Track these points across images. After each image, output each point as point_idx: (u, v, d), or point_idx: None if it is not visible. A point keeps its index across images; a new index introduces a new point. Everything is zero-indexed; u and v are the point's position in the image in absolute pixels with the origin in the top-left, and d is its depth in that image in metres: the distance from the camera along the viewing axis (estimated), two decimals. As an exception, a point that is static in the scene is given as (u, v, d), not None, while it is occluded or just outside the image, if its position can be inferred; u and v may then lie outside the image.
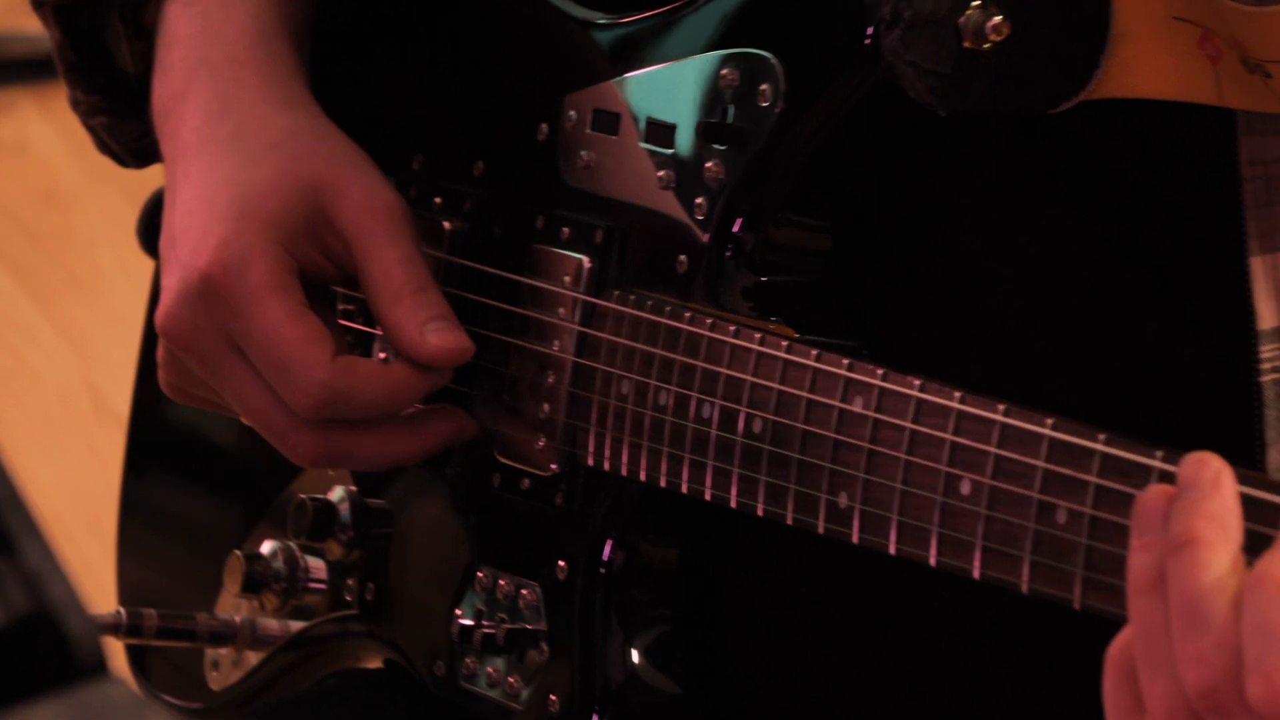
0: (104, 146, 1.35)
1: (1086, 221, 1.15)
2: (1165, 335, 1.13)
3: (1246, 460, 1.08)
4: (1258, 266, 1.09)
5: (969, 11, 1.09)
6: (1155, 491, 0.95)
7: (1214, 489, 0.94)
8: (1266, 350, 1.09)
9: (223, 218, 1.21)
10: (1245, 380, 1.09)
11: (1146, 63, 1.09)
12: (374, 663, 1.34)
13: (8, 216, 3.04)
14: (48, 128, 2.67)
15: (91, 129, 1.34)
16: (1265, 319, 1.09)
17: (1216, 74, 1.07)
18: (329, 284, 1.25)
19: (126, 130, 1.33)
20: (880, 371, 1.09)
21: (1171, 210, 1.12)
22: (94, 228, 2.33)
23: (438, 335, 1.22)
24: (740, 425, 1.14)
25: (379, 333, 1.28)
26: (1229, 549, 0.93)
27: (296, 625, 1.32)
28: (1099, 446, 1.00)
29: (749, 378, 1.13)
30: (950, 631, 1.14)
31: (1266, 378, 1.10)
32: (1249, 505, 0.94)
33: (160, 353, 1.23)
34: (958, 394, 1.06)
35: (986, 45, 1.10)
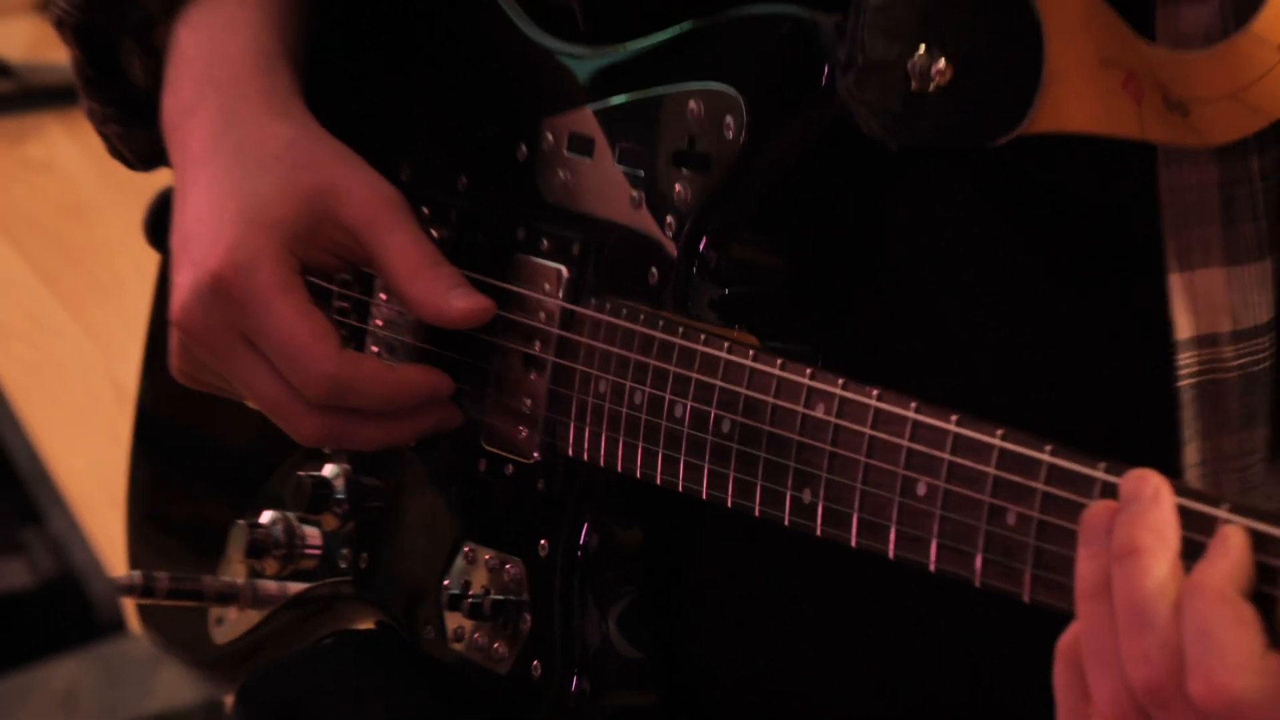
0: (115, 152, 1.31)
1: (1022, 242, 1.11)
2: (1094, 344, 1.10)
3: (1165, 454, 1.06)
4: (1176, 283, 1.06)
5: (916, 57, 1.06)
6: (1100, 506, 0.92)
7: (1154, 503, 0.91)
8: (1184, 358, 1.06)
9: (232, 223, 1.18)
10: (1165, 384, 1.05)
11: (1075, 101, 1.06)
12: (366, 623, 1.29)
13: (37, 228, 2.98)
14: (73, 148, 2.64)
15: (104, 136, 1.30)
16: (1182, 330, 1.06)
17: (1139, 111, 1.05)
18: (334, 278, 1.22)
19: (135, 138, 1.29)
20: (841, 381, 1.05)
21: (1098, 232, 1.09)
22: (114, 237, 2.32)
23: (461, 299, 1.18)
24: (710, 425, 1.09)
25: (370, 329, 1.24)
26: (1168, 557, 0.90)
27: (294, 587, 1.27)
28: (1046, 458, 0.96)
29: (718, 382, 1.09)
30: (908, 614, 1.11)
31: (1184, 382, 1.06)
32: (1184, 516, 0.91)
33: (173, 343, 1.20)
34: (913, 404, 1.02)
35: (931, 87, 1.06)
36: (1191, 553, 0.91)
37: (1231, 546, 0.90)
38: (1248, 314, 1.07)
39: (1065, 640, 0.93)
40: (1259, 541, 0.91)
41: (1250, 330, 1.07)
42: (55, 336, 2.70)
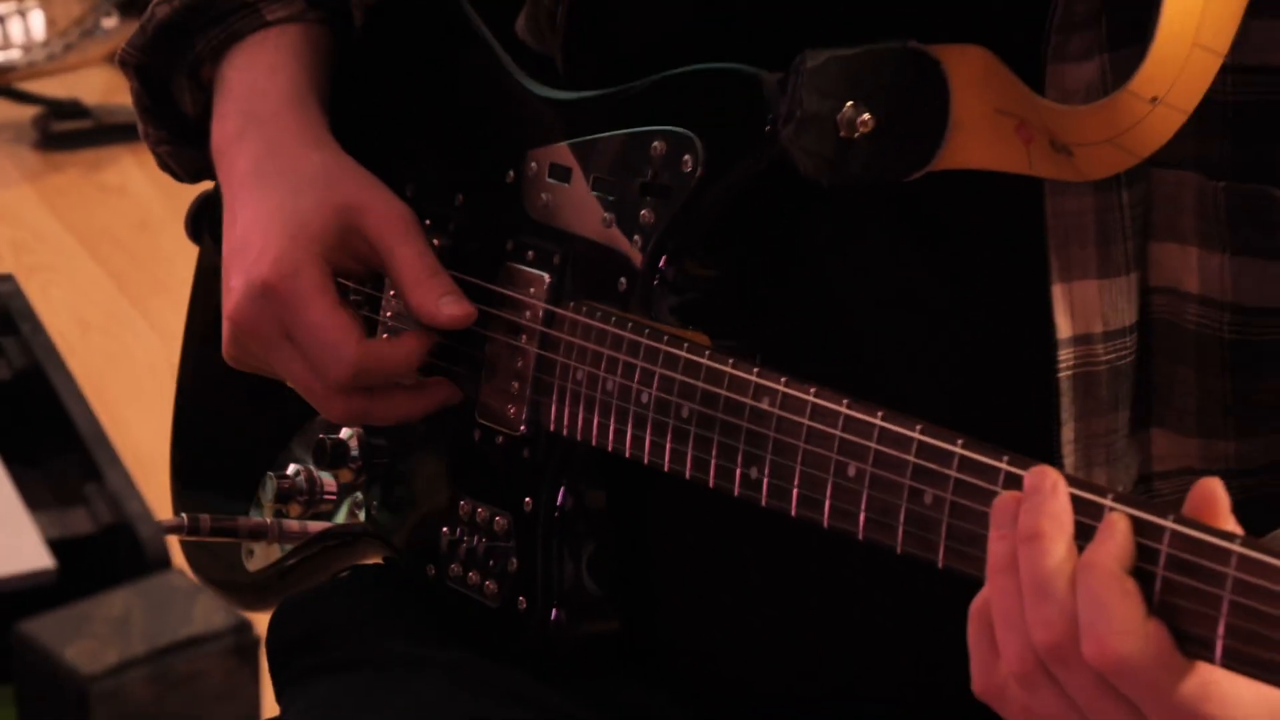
0: (166, 167, 1.31)
1: (930, 259, 1.11)
2: (989, 342, 1.10)
3: (1047, 433, 1.07)
4: (1058, 292, 1.06)
5: (844, 111, 1.06)
6: (1008, 495, 0.94)
7: (1053, 494, 0.93)
8: (1063, 354, 1.06)
9: (278, 236, 1.18)
10: (1048, 376, 1.06)
11: (975, 144, 1.06)
12: (375, 559, 1.30)
13: (112, 240, 2.98)
14: (141, 174, 2.69)
15: (157, 154, 1.30)
16: (1062, 331, 1.06)
17: (1029, 152, 1.05)
18: (357, 280, 1.22)
19: (184, 156, 1.29)
20: (783, 379, 1.04)
21: (993, 249, 1.10)
22: (174, 247, 2.33)
23: (450, 306, 1.17)
24: (671, 411, 1.08)
25: (380, 319, 1.23)
26: (1065, 539, 0.92)
27: (315, 526, 1.28)
28: (958, 450, 0.97)
29: (679, 376, 1.08)
30: (835, 570, 1.11)
31: (1063, 374, 1.06)
32: (1077, 504, 0.93)
33: (226, 334, 1.20)
34: (845, 400, 1.02)
35: (857, 135, 1.06)
36: (1084, 534, 0.92)
37: (1116, 530, 0.91)
38: (1116, 318, 1.07)
39: (977, 604, 0.95)
40: (1139, 526, 0.92)
41: (1117, 331, 1.07)
42: (127, 330, 2.73)
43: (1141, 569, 0.91)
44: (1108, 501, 0.92)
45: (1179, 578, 0.90)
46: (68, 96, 3.25)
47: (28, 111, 3.27)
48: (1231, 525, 0.91)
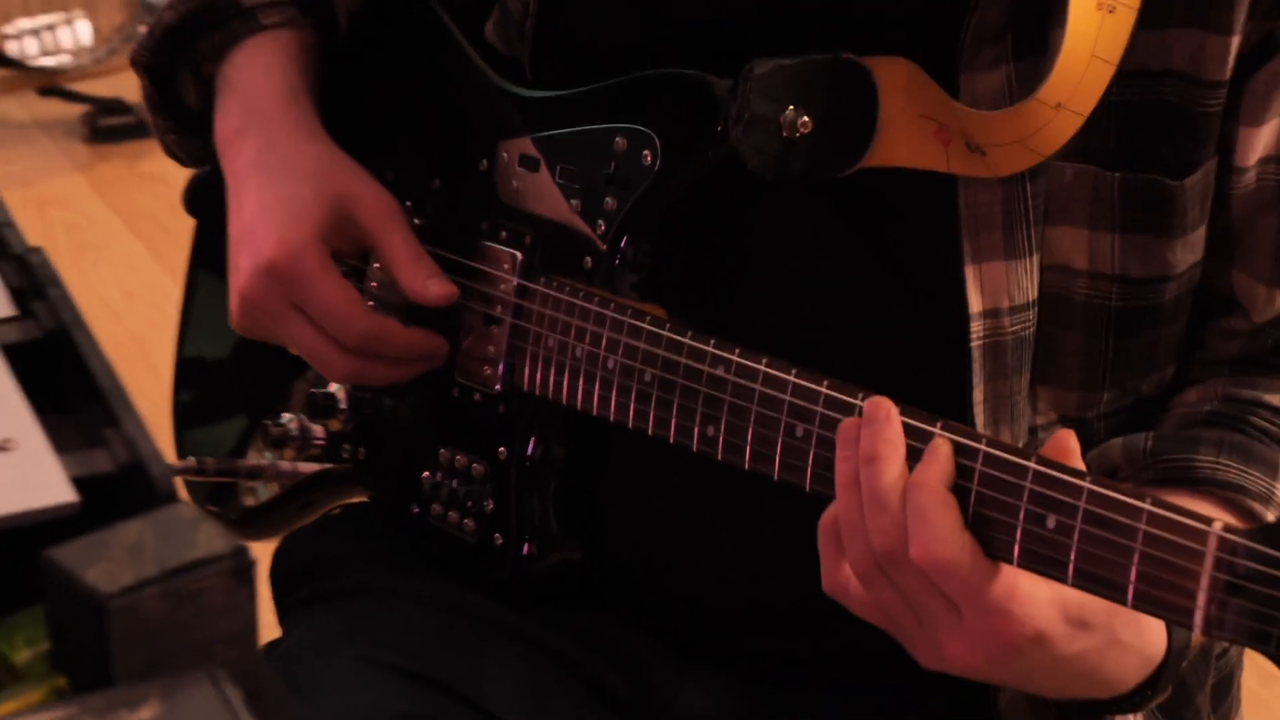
0: (172, 153, 1.33)
1: (859, 243, 1.12)
2: (910, 315, 1.12)
3: (959, 396, 1.10)
4: (970, 273, 1.08)
5: (786, 114, 1.07)
6: (850, 422, 1.00)
7: (888, 421, 0.98)
8: (974, 326, 1.09)
9: (281, 221, 1.18)
10: (961, 345, 1.09)
11: (900, 144, 1.08)
12: (361, 498, 1.31)
13: (153, 221, 3.02)
14: (177, 164, 2.53)
15: (165, 143, 1.32)
16: (974, 306, 1.08)
17: (946, 152, 1.07)
18: (344, 258, 1.22)
19: (188, 144, 1.30)
20: (737, 350, 1.06)
21: (914, 234, 1.12)
22: None
23: (435, 285, 1.19)
24: (635, 376, 1.10)
25: (365, 288, 1.24)
26: (898, 461, 0.97)
27: (306, 468, 1.29)
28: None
29: (641, 345, 1.10)
30: (772, 503, 1.10)
31: (974, 343, 1.09)
32: (909, 430, 0.98)
33: (235, 307, 1.21)
34: (794, 369, 1.03)
35: (798, 135, 1.08)
36: (914, 456, 0.97)
37: (940, 453, 0.97)
38: (1019, 295, 1.09)
39: (826, 517, 1.01)
40: (959, 450, 0.97)
41: (1021, 306, 1.09)
42: (166, 299, 2.75)
43: (960, 485, 0.96)
44: (935, 429, 0.97)
45: (989, 492, 0.95)
46: (112, 95, 3.28)
47: (77, 109, 3.30)
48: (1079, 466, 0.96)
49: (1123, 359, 1.13)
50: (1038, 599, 0.96)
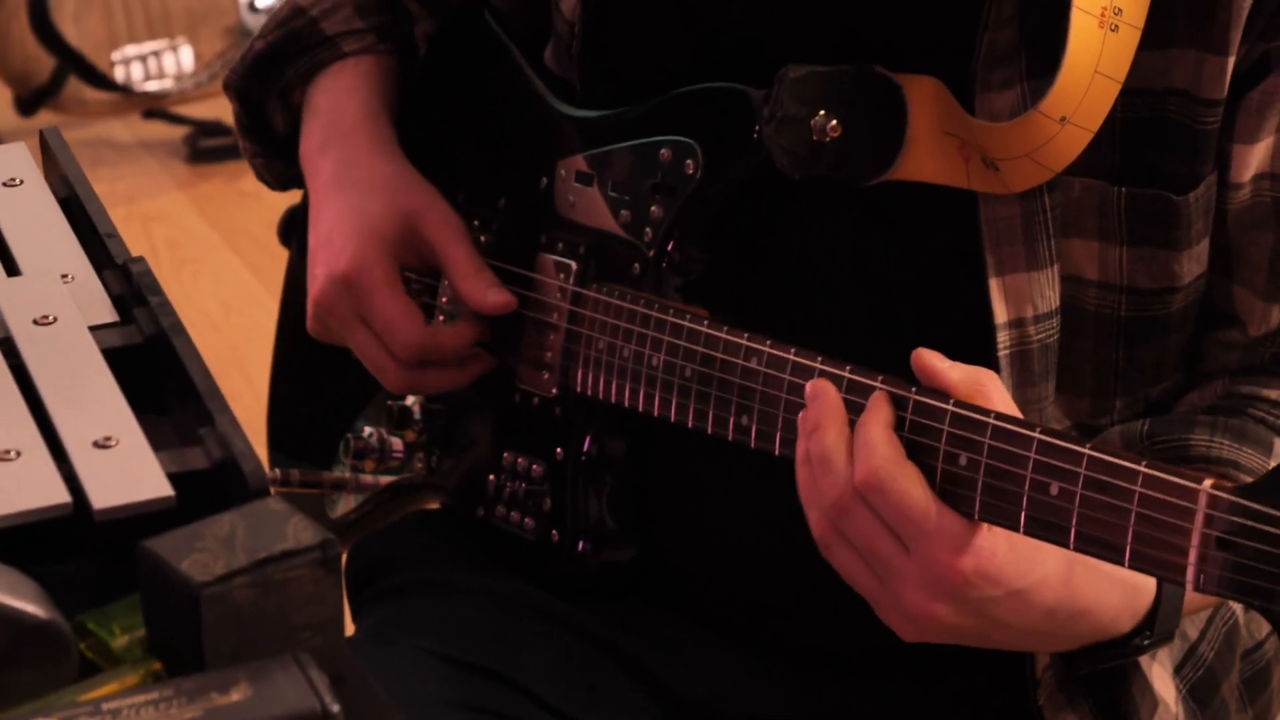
0: (260, 176, 1.32)
1: (888, 252, 1.11)
2: (939, 326, 1.10)
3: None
4: (994, 284, 1.06)
5: (816, 118, 1.06)
6: (804, 411, 0.99)
7: (824, 394, 0.98)
8: (1001, 336, 1.07)
9: (354, 236, 1.18)
10: (990, 353, 1.07)
11: (925, 159, 1.06)
12: (434, 505, 1.30)
13: (250, 237, 2.97)
14: None
15: (254, 166, 1.31)
16: (999, 316, 1.06)
17: (967, 169, 1.05)
18: (417, 273, 1.21)
19: (275, 167, 1.29)
20: (768, 342, 1.05)
21: (940, 247, 1.10)
22: None
23: (494, 294, 1.17)
24: (677, 371, 1.09)
25: (437, 304, 1.23)
26: (836, 425, 0.98)
27: (385, 479, 1.28)
28: (911, 395, 0.98)
29: (682, 343, 1.09)
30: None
31: (1002, 352, 1.07)
32: (854, 392, 0.98)
33: (310, 312, 1.21)
34: (819, 357, 1.02)
35: (827, 140, 1.06)
36: (857, 411, 0.97)
37: (880, 403, 0.97)
38: (1043, 304, 1.07)
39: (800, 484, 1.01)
40: (895, 400, 0.97)
41: (1045, 315, 1.08)
42: (262, 311, 2.74)
43: (896, 434, 0.97)
44: (876, 383, 0.98)
45: (915, 437, 0.96)
46: (212, 118, 3.30)
47: (179, 131, 3.32)
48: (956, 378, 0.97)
49: (1133, 367, 1.11)
50: (982, 530, 0.94)
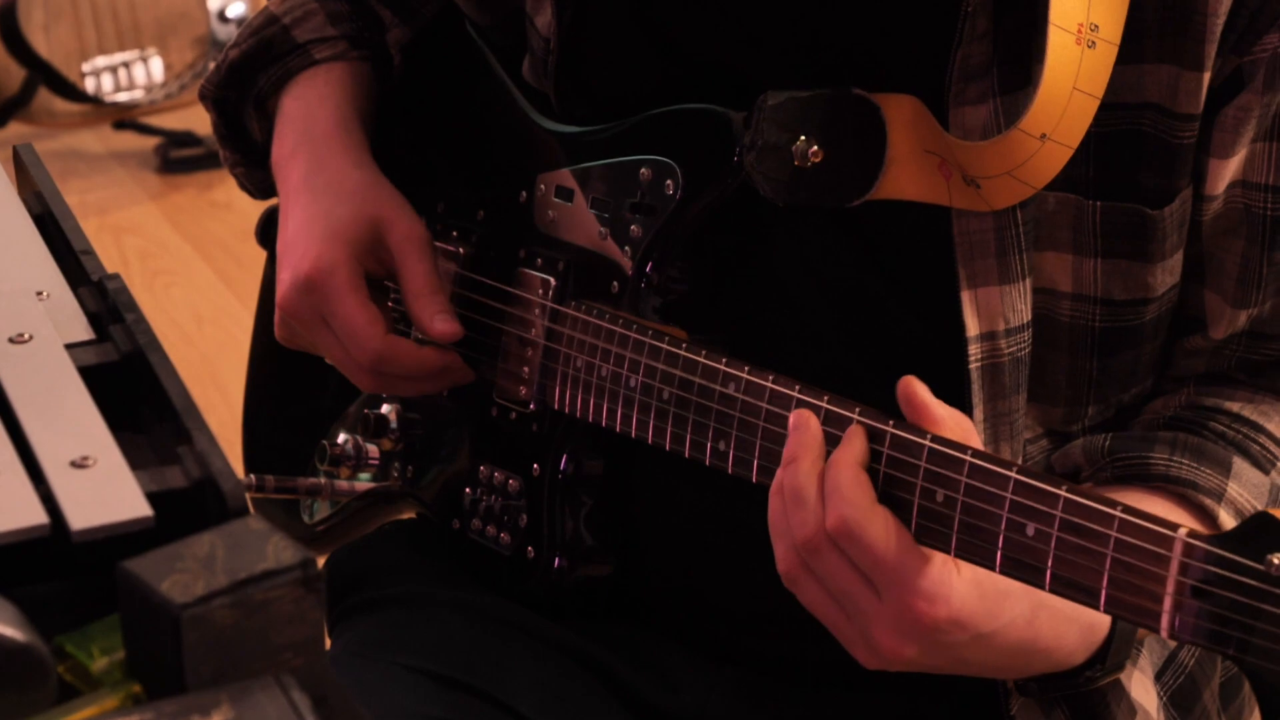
0: (241, 185, 1.31)
1: (865, 270, 1.10)
2: (912, 338, 1.09)
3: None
4: (966, 297, 1.06)
5: (797, 143, 1.05)
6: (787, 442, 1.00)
7: (805, 427, 0.98)
8: (973, 349, 1.06)
9: (319, 239, 1.17)
10: (961, 366, 1.06)
11: (906, 178, 1.05)
12: (409, 514, 1.29)
13: (222, 248, 2.99)
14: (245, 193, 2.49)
15: (235, 175, 1.30)
16: (971, 329, 1.06)
17: (948, 186, 1.05)
18: (383, 281, 1.20)
19: (254, 176, 1.28)
20: (746, 368, 1.04)
21: (914, 261, 1.09)
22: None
23: (440, 323, 1.16)
24: (654, 394, 1.08)
25: (393, 306, 1.24)
26: (811, 458, 0.97)
27: (361, 486, 1.27)
28: (890, 429, 0.97)
29: (660, 365, 1.07)
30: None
31: (973, 365, 1.06)
32: (832, 423, 0.97)
33: (276, 318, 1.20)
34: (797, 385, 1.01)
35: (808, 165, 1.05)
36: (835, 442, 0.97)
37: (854, 437, 0.96)
38: (1014, 317, 1.07)
39: (770, 513, 1.00)
40: (872, 434, 0.97)
41: (1017, 328, 1.07)
42: (235, 323, 2.74)
43: (872, 467, 0.96)
44: (854, 415, 0.97)
45: (892, 471, 0.96)
46: (183, 128, 3.29)
47: (150, 141, 3.31)
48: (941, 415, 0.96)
49: (1106, 376, 1.11)
50: (953, 577, 0.94)
